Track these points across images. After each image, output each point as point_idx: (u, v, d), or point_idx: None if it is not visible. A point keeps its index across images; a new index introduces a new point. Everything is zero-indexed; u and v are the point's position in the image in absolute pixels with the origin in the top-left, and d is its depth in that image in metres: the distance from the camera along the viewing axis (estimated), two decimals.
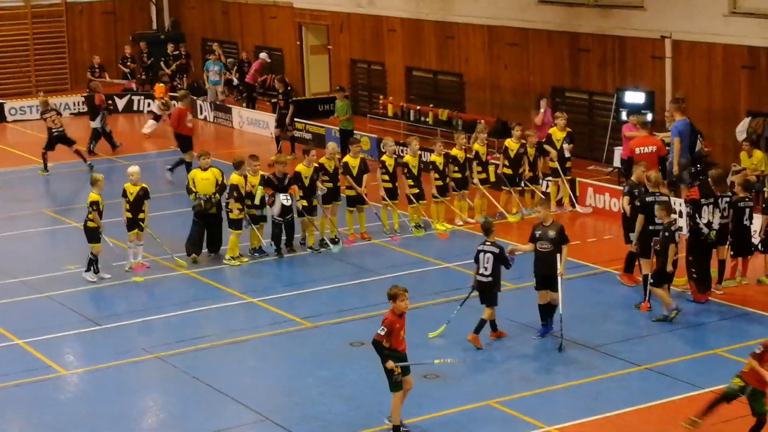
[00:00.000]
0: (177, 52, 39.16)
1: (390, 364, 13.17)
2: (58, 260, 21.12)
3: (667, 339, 16.55)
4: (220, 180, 20.69)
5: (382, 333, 13.20)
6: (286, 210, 20.67)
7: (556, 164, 23.43)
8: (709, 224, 17.74)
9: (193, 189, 20.59)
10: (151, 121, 33.78)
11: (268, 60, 36.50)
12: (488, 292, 16.34)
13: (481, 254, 16.31)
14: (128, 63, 39.60)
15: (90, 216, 19.65)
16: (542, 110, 26.45)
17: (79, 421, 14.39)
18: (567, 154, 23.46)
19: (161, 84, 34.74)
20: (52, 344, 17.09)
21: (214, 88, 36.11)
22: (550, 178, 23.70)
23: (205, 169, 20.68)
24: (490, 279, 16.28)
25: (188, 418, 14.30)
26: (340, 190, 21.81)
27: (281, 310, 18.15)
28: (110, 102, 35.23)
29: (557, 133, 23.53)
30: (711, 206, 17.80)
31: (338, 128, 28.75)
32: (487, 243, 16.37)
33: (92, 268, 19.87)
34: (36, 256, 21.81)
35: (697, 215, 17.72)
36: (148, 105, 37.40)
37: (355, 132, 28.48)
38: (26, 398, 15.17)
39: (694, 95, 25.39)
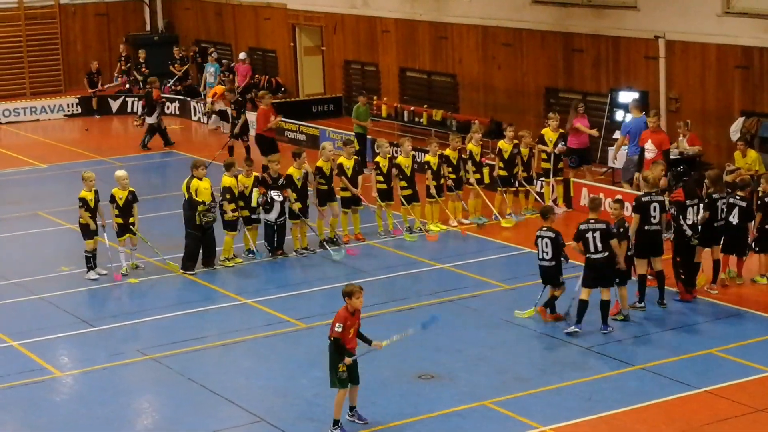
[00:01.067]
0: (183, 55, 38.99)
1: (348, 360, 13.39)
2: (51, 262, 21.09)
3: (662, 339, 16.56)
4: (211, 190, 20.29)
5: (340, 330, 13.39)
6: (279, 212, 20.63)
7: (550, 165, 23.46)
8: (693, 226, 17.73)
9: (198, 199, 19.92)
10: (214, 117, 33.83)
11: (245, 59, 36.68)
12: (551, 276, 16.83)
13: (539, 240, 16.76)
14: (122, 63, 39.52)
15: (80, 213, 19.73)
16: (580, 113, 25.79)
17: (73, 422, 14.36)
18: (558, 152, 23.46)
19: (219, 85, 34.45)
20: (46, 346, 17.06)
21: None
22: (543, 178, 23.73)
23: (201, 179, 20.24)
24: (552, 263, 16.77)
25: (182, 420, 14.28)
26: (335, 192, 21.80)
27: (276, 311, 18.14)
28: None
29: (549, 134, 23.54)
30: (696, 207, 17.80)
31: (354, 132, 28.02)
32: (544, 228, 16.79)
33: (89, 265, 19.85)
34: (30, 257, 21.76)
35: (681, 217, 17.72)
36: (142, 107, 37.34)
37: (349, 133, 28.49)
38: (20, 400, 15.14)
39: (688, 95, 25.43)
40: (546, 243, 16.73)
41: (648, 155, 22.31)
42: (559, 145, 23.42)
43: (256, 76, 37.24)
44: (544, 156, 23.55)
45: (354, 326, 13.62)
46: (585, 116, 24.99)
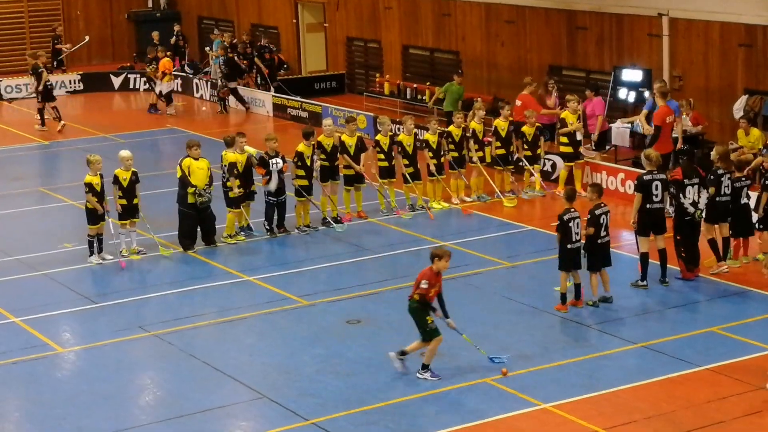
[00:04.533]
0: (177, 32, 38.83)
1: (431, 317, 14.24)
2: (54, 238, 21.11)
3: (664, 317, 16.58)
4: (209, 171, 20.09)
5: (426, 286, 14.16)
6: (279, 190, 20.58)
7: (571, 149, 23.03)
8: (694, 204, 17.73)
9: (191, 181, 19.83)
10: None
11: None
12: (578, 258, 16.70)
13: (572, 222, 16.53)
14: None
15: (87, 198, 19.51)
16: (554, 94, 25.97)
17: (75, 398, 14.40)
18: (579, 137, 23.19)
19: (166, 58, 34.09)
20: (48, 322, 17.09)
21: (216, 66, 35.87)
22: (565, 161, 23.17)
23: (197, 159, 20.09)
24: (581, 244, 16.69)
25: (185, 396, 14.32)
26: (338, 169, 21.78)
27: (278, 289, 18.15)
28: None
29: (569, 117, 22.94)
30: (696, 186, 17.77)
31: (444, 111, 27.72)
32: (572, 210, 16.62)
33: (92, 249, 19.71)
34: (32, 234, 21.77)
35: (681, 195, 17.70)
36: (144, 83, 37.34)
37: (352, 111, 28.43)
38: (23, 376, 15.17)
39: (691, 73, 25.36)
40: (578, 224, 16.54)
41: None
42: (575, 124, 22.89)
43: (276, 56, 36.69)
44: (564, 140, 23.02)
45: (436, 287, 14.28)
46: (556, 95, 25.42)
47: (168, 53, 34.42)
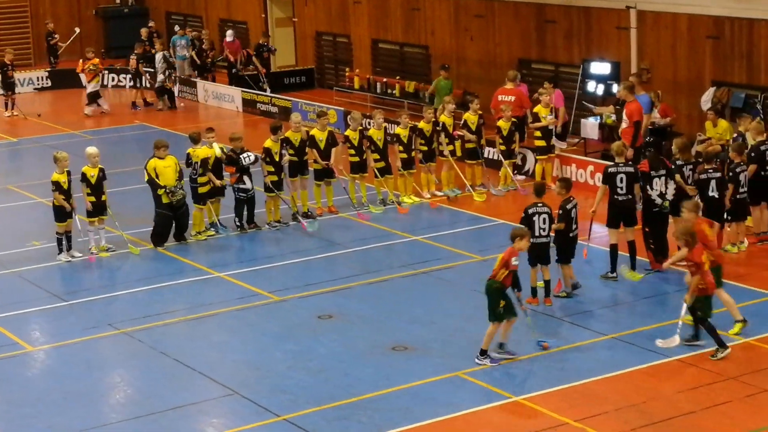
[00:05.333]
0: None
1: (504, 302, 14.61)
2: (23, 236, 20.96)
3: (634, 308, 16.65)
4: (178, 167, 20.00)
5: (516, 263, 14.62)
6: (248, 188, 20.53)
7: (544, 142, 23.03)
8: (661, 195, 17.80)
9: (159, 181, 19.67)
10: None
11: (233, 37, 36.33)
12: (546, 253, 16.70)
13: (536, 216, 16.53)
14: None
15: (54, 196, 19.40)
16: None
17: (46, 397, 14.31)
18: (551, 128, 23.13)
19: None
20: (17, 321, 16.98)
21: (181, 62, 35.79)
22: (538, 155, 23.23)
23: (162, 158, 19.93)
24: (548, 239, 16.69)
25: (156, 394, 14.26)
26: (308, 164, 21.75)
27: (248, 285, 18.11)
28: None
29: (543, 111, 22.96)
30: (663, 178, 17.84)
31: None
32: (540, 204, 16.62)
33: (60, 247, 19.60)
34: (1, 232, 21.63)
35: (648, 187, 17.77)
36: (113, 80, 37.20)
37: (322, 105, 28.39)
38: None
39: (660, 65, 25.47)
40: (543, 219, 16.55)
41: (622, 125, 22.09)
42: (548, 117, 22.94)
43: (244, 51, 36.71)
44: (538, 134, 22.99)
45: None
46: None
47: (146, 48, 34.43)
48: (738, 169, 18.71)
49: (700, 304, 14.73)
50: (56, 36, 38.48)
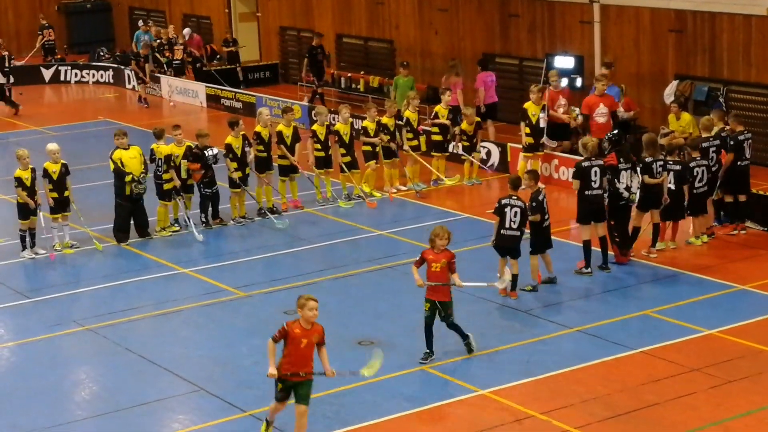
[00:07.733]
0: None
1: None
2: None
3: (598, 301, 16.73)
4: (143, 158, 19.99)
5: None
6: (211, 181, 20.44)
7: (532, 139, 22.86)
8: (628, 188, 17.90)
9: (125, 170, 19.66)
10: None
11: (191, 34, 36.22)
12: (516, 246, 16.61)
13: (509, 208, 16.43)
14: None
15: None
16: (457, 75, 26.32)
17: (10, 395, 14.21)
18: (543, 124, 22.79)
19: None
20: None
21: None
22: (524, 153, 23.04)
23: (126, 148, 19.95)
24: (518, 233, 16.55)
25: (121, 390, 14.19)
26: (272, 159, 21.69)
27: (214, 280, 18.06)
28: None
29: (533, 108, 22.73)
30: (629, 171, 17.94)
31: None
32: (514, 197, 16.52)
33: (24, 244, 19.48)
34: None
35: (616, 180, 17.85)
36: (75, 75, 37.00)
37: (286, 101, 28.34)
38: None
39: (623, 59, 25.60)
40: (516, 212, 16.49)
41: (601, 119, 22.03)
42: (541, 115, 22.79)
43: (207, 46, 36.63)
44: (527, 131, 22.71)
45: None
46: (460, 78, 26.00)
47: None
48: (692, 164, 18.79)
49: None
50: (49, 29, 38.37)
